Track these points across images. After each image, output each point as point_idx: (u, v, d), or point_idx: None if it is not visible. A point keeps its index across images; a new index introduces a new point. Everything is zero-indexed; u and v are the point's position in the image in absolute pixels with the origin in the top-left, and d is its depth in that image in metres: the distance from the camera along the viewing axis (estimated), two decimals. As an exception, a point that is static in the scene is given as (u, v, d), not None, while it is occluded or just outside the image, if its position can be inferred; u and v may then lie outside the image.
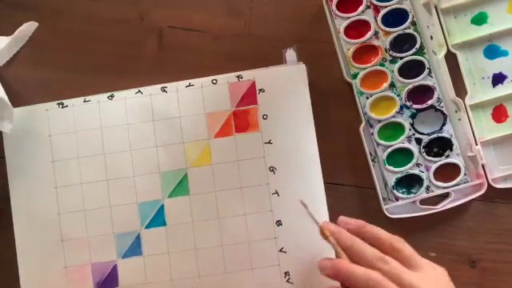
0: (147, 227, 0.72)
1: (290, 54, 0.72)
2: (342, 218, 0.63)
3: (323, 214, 0.70)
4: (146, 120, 0.72)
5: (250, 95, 0.72)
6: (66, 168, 0.72)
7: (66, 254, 0.72)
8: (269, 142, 0.72)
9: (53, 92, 0.73)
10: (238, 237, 0.71)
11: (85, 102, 0.72)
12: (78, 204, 0.72)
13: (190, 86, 0.73)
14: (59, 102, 0.72)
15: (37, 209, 0.72)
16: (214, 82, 0.72)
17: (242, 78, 0.72)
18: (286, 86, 0.72)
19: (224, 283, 0.71)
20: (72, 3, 0.74)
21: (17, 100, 0.72)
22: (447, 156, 0.72)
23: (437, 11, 0.71)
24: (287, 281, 0.71)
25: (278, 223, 0.71)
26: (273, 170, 0.71)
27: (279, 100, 0.72)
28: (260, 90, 0.72)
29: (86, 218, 0.72)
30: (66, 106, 0.72)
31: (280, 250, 0.71)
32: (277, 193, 0.71)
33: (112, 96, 0.72)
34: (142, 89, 0.72)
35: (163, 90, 0.73)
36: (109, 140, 0.72)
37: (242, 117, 0.72)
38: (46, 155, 0.72)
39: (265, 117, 0.72)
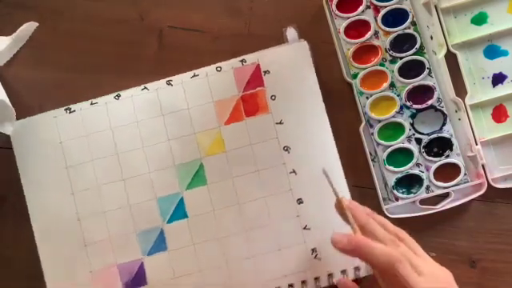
0: (169, 221, 0.72)
1: (291, 32, 0.72)
2: (352, 202, 0.63)
3: (342, 187, 0.71)
4: (156, 115, 0.72)
5: (255, 78, 0.72)
6: (80, 172, 0.72)
7: (90, 258, 0.72)
8: (280, 123, 0.72)
9: (53, 92, 0.74)
10: (261, 220, 0.72)
11: (92, 104, 0.72)
12: (97, 207, 0.72)
13: (194, 76, 0.73)
14: (66, 107, 0.72)
15: (56, 217, 0.72)
16: (219, 69, 0.73)
17: (245, 62, 0.73)
18: (291, 64, 0.72)
19: (253, 267, 0.71)
20: (72, 3, 0.74)
21: (17, 100, 0.72)
22: (447, 156, 0.72)
23: (437, 11, 0.71)
24: (315, 257, 0.71)
25: (299, 201, 0.71)
26: (287, 150, 0.72)
27: (285, 79, 0.72)
28: (265, 71, 0.72)
29: (107, 219, 0.72)
30: (74, 110, 0.72)
31: (304, 228, 0.71)
32: (294, 171, 0.72)
33: (118, 96, 0.73)
34: (147, 85, 0.73)
35: (168, 83, 0.73)
36: (120, 139, 0.73)
37: (250, 101, 0.72)
38: (59, 162, 0.72)
39: (273, 97, 0.72)
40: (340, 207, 0.62)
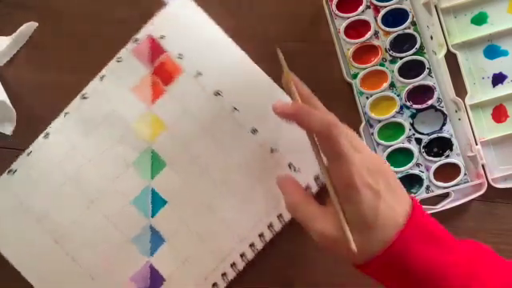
0: (153, 215, 0.72)
1: None
2: (298, 80, 0.64)
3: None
4: (88, 132, 0.72)
5: (155, 49, 0.72)
6: (52, 219, 0.72)
7: (103, 285, 0.72)
8: (199, 74, 0.72)
9: (53, 92, 0.73)
10: (233, 170, 0.72)
11: (28, 155, 0.72)
12: (83, 239, 0.72)
13: (102, 78, 0.72)
14: (9, 169, 0.72)
15: (51, 268, 0.72)
16: (119, 59, 0.72)
17: (138, 40, 0.72)
18: (181, 20, 0.72)
19: (247, 207, 0.72)
20: (72, 3, 0.73)
21: (17, 100, 0.72)
22: (447, 156, 0.72)
23: (437, 11, 0.71)
24: (294, 170, 0.72)
25: (254, 131, 0.72)
26: (219, 94, 0.71)
27: (182, 34, 0.72)
28: (161, 37, 0.72)
29: (98, 244, 0.72)
30: (16, 170, 0.72)
31: (272, 151, 0.72)
32: (236, 109, 0.72)
33: (47, 134, 0.72)
34: (66, 110, 0.72)
35: (83, 97, 0.72)
36: (67, 172, 0.72)
37: (162, 71, 0.72)
38: (29, 221, 0.72)
39: (180, 56, 0.72)
40: (286, 82, 0.62)
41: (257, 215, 0.72)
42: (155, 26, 0.72)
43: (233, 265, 0.72)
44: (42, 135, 0.72)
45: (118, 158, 0.72)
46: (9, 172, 0.72)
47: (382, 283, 0.60)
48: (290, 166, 0.72)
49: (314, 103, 0.63)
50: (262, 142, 0.72)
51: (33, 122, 0.73)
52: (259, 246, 0.72)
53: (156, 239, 0.72)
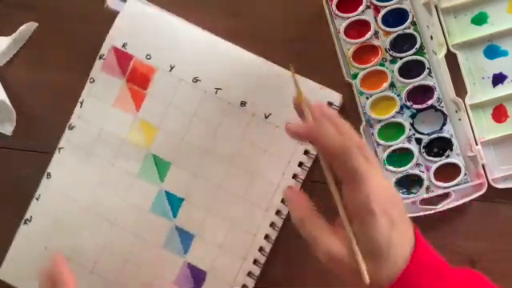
0: (175, 216, 0.73)
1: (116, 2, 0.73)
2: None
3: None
4: (85, 158, 0.74)
5: (122, 58, 0.73)
6: (78, 254, 0.73)
7: None
8: (172, 67, 0.73)
9: (53, 92, 0.74)
10: (234, 145, 0.72)
11: (38, 200, 0.74)
12: (116, 261, 0.73)
13: (82, 103, 0.73)
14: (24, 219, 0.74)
15: None
16: (92, 80, 0.73)
17: (104, 55, 0.73)
18: (137, 22, 0.73)
19: (258, 178, 0.72)
20: (72, 3, 0.74)
21: (17, 100, 0.73)
22: (447, 156, 0.72)
23: (437, 11, 0.71)
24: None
25: (243, 104, 0.72)
26: (198, 80, 0.72)
27: (142, 35, 0.73)
28: (123, 45, 0.73)
29: (131, 262, 0.73)
30: (31, 218, 0.74)
31: (266, 117, 0.72)
32: (219, 88, 0.72)
33: (49, 174, 0.73)
34: (58, 145, 0.73)
35: (71, 127, 0.73)
36: (80, 203, 0.73)
37: (136, 76, 0.73)
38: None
39: (148, 57, 0.73)
40: (299, 102, 0.60)
41: (270, 183, 0.73)
42: (115, 36, 0.73)
43: (266, 237, 0.73)
44: (45, 176, 0.73)
45: (122, 173, 0.73)
46: (25, 222, 0.74)
47: None
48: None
49: (326, 128, 0.59)
50: (254, 111, 0.73)
51: (33, 122, 0.74)
52: (285, 211, 0.73)
53: (185, 237, 0.73)
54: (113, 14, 0.73)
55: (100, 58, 0.73)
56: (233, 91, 0.73)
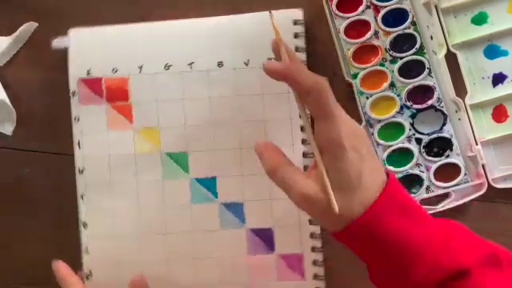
0: (216, 196, 0.73)
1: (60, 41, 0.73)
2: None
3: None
4: (110, 190, 0.73)
5: (92, 84, 0.73)
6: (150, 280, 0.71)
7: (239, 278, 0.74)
8: (140, 68, 0.72)
9: (53, 92, 0.74)
10: (236, 106, 0.72)
11: (87, 253, 0.73)
12: (192, 269, 0.74)
13: (79, 142, 0.73)
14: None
15: None
16: (77, 119, 0.73)
17: (75, 92, 0.72)
18: (87, 47, 0.73)
19: (275, 132, 0.73)
20: (72, 3, 0.74)
21: (17, 100, 0.73)
22: (447, 156, 0.72)
23: (437, 11, 0.71)
24: None
25: (220, 64, 0.72)
26: (169, 66, 0.72)
27: (99, 54, 0.73)
28: (88, 73, 0.72)
29: (206, 259, 0.73)
30: (89, 273, 0.74)
31: (247, 64, 0.72)
32: (191, 63, 0.72)
33: (85, 224, 0.73)
34: (78, 194, 0.73)
35: (80, 172, 0.73)
36: (129, 235, 0.74)
37: (113, 93, 0.73)
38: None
39: (115, 70, 0.73)
40: (276, 43, 0.61)
41: (284, 123, 0.72)
42: (75, 69, 0.73)
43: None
44: (82, 228, 0.73)
45: (149, 184, 0.73)
46: (87, 278, 0.73)
47: (359, 255, 0.60)
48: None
49: (301, 66, 0.63)
50: (233, 64, 0.72)
51: (33, 122, 0.74)
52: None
53: (235, 209, 0.73)
54: (114, 15, 0.73)
55: (73, 95, 0.73)
56: (206, 58, 0.72)
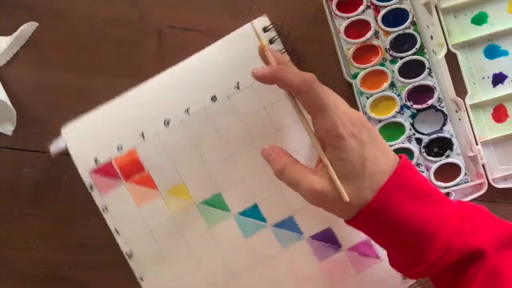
0: (265, 221, 0.72)
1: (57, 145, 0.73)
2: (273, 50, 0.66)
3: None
4: (166, 260, 0.73)
5: (105, 171, 0.73)
6: None
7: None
8: (142, 134, 0.72)
9: (53, 92, 0.74)
10: (245, 130, 0.72)
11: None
12: None
13: (117, 231, 0.73)
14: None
15: None
16: (105, 209, 0.73)
17: (92, 184, 0.73)
18: (85, 139, 0.73)
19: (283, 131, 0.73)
20: (72, 3, 0.74)
21: (17, 100, 0.73)
22: (447, 156, 0.73)
23: (437, 11, 0.71)
24: None
25: (213, 99, 0.72)
26: (169, 121, 0.72)
27: (99, 140, 0.73)
28: (95, 161, 0.73)
29: (277, 281, 0.73)
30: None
31: (238, 87, 0.72)
32: (187, 109, 0.72)
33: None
34: (138, 276, 0.74)
35: (129, 256, 0.73)
36: None
37: (128, 170, 0.73)
38: None
39: (120, 147, 0.72)
40: (262, 49, 0.63)
41: (304, 139, 0.72)
42: (82, 163, 0.73)
43: None
44: None
45: (197, 237, 0.73)
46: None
47: (375, 240, 0.61)
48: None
49: (291, 67, 0.64)
50: (225, 93, 0.72)
51: (33, 122, 0.74)
52: None
53: (288, 224, 0.73)
54: (114, 15, 0.74)
55: (91, 188, 0.73)
56: (198, 99, 0.72)
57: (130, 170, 0.73)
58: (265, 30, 0.71)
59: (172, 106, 0.72)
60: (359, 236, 0.72)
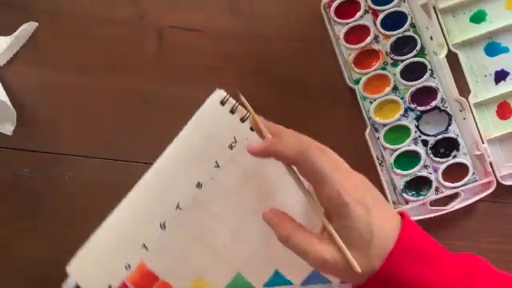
0: (291, 283, 0.70)
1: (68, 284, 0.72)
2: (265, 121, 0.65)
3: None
4: None
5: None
6: None
7: None
8: (145, 246, 0.70)
9: (53, 92, 0.73)
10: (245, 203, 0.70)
11: None
12: None
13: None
14: None
15: None
16: None
17: None
18: (90, 271, 0.71)
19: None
20: (72, 3, 0.74)
21: (17, 100, 0.72)
22: (454, 156, 0.72)
23: (435, 11, 0.72)
24: None
25: (198, 186, 0.70)
26: (164, 224, 0.70)
27: (103, 269, 0.71)
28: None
29: None
30: None
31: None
32: (178, 205, 0.70)
33: None
34: None
35: None
36: None
37: (141, 283, 0.71)
38: None
39: (128, 266, 0.71)
40: (254, 122, 0.63)
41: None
42: None
43: None
44: None
45: None
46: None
47: None
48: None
49: (286, 134, 0.63)
50: (213, 176, 0.70)
51: (33, 122, 0.73)
52: None
53: (314, 278, 0.69)
54: (114, 15, 0.74)
55: None
56: (182, 192, 0.70)
57: (146, 283, 0.70)
58: (222, 102, 0.69)
59: (162, 207, 0.71)
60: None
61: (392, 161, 0.72)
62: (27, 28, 0.72)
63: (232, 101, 0.69)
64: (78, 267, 0.70)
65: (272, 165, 0.66)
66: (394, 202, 0.72)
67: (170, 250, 0.70)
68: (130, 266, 0.70)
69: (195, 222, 0.71)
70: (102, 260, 0.71)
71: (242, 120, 0.69)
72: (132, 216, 0.71)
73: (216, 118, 0.69)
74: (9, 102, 0.71)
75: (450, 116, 0.72)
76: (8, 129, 0.72)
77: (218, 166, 0.70)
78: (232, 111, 0.69)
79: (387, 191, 0.72)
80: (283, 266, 0.70)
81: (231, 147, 0.69)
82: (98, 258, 0.71)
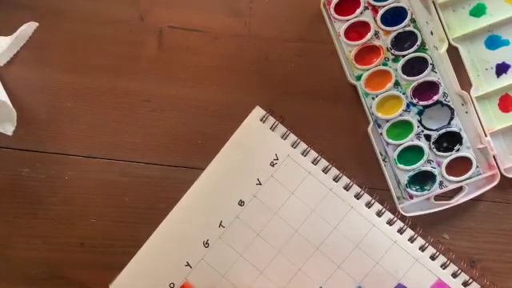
0: None
1: None
2: None
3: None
4: None
5: None
6: None
7: None
8: (189, 265, 0.72)
9: (53, 92, 0.74)
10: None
11: None
12: None
13: None
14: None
15: None
16: None
17: None
18: None
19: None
20: (72, 3, 0.75)
21: (17, 100, 0.73)
22: (457, 150, 0.73)
23: (435, 6, 0.74)
24: None
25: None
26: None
27: None
28: None
29: None
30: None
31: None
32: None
33: None
34: None
35: None
36: None
37: None
38: None
39: (172, 286, 0.72)
40: None
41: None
42: None
43: None
44: None
45: None
46: None
47: None
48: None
49: None
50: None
51: (33, 122, 0.74)
52: None
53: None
54: (114, 15, 0.74)
55: None
56: (227, 208, 0.71)
57: None
58: (262, 120, 0.72)
59: (205, 225, 0.72)
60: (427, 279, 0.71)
61: (395, 156, 0.73)
62: (27, 28, 0.74)
63: (272, 118, 0.71)
64: (121, 286, 0.72)
65: (313, 181, 0.70)
66: (398, 198, 0.73)
67: (214, 269, 0.72)
68: (174, 286, 0.71)
69: (239, 239, 0.72)
70: (145, 279, 0.72)
71: (283, 137, 0.71)
72: (175, 235, 0.72)
73: (256, 136, 0.72)
74: (9, 102, 0.72)
75: (452, 110, 0.74)
76: (8, 129, 0.73)
77: (259, 184, 0.72)
78: (272, 128, 0.71)
79: (391, 187, 0.73)
80: (367, 283, 0.71)
81: (272, 164, 0.71)
82: (142, 280, 0.72)
